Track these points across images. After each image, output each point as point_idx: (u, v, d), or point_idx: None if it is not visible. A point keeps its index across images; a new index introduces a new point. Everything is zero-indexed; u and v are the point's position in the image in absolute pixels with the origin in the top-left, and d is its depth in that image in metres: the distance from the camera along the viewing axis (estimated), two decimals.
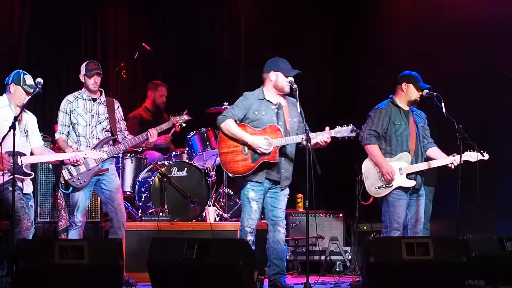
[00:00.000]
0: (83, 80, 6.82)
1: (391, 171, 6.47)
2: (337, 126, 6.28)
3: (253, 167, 6.27)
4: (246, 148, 6.29)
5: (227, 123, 6.30)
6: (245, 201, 6.37)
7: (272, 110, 6.37)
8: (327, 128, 6.26)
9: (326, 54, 10.11)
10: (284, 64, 6.38)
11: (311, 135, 6.20)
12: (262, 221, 6.71)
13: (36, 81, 6.23)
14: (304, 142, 6.18)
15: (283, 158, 6.36)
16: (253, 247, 6.22)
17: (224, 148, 6.35)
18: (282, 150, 6.33)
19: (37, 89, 6.21)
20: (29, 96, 6.26)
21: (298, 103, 6.21)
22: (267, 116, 6.34)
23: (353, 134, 6.29)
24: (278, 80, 6.37)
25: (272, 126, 6.30)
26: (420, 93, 6.58)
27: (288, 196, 6.51)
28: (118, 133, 6.90)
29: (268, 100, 6.38)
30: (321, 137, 6.21)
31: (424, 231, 7.44)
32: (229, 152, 6.33)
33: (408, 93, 6.62)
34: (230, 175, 6.48)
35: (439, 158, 6.64)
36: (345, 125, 6.29)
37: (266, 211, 6.48)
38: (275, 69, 6.38)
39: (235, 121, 6.33)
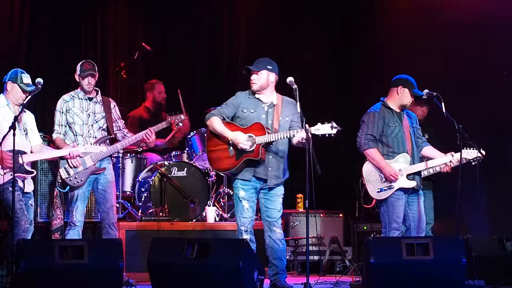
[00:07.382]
0: (78, 80, 6.83)
1: (394, 172, 6.46)
2: (317, 123, 6.22)
3: (236, 164, 6.31)
4: (231, 146, 6.34)
5: (212, 120, 6.40)
6: (236, 200, 6.43)
7: (262, 108, 6.40)
8: (306, 125, 6.15)
9: (326, 54, 10.09)
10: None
11: (291, 132, 6.22)
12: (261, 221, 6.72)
13: (36, 81, 6.22)
14: (293, 140, 6.23)
15: (271, 156, 6.37)
16: (252, 246, 6.23)
17: (211, 146, 6.45)
18: (269, 148, 6.35)
19: (36, 88, 6.20)
20: (27, 95, 6.24)
21: (298, 103, 6.21)
22: (256, 114, 6.37)
23: (334, 131, 6.17)
24: None
25: (257, 123, 6.33)
26: (413, 99, 6.61)
27: (283, 196, 6.51)
28: (117, 131, 6.90)
29: (258, 99, 6.41)
30: (300, 135, 6.13)
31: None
32: (216, 150, 6.41)
33: (403, 97, 6.61)
34: (215, 172, 6.49)
35: (436, 157, 6.65)
36: (326, 122, 6.21)
37: (261, 212, 6.52)
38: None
39: (224, 119, 6.38)
